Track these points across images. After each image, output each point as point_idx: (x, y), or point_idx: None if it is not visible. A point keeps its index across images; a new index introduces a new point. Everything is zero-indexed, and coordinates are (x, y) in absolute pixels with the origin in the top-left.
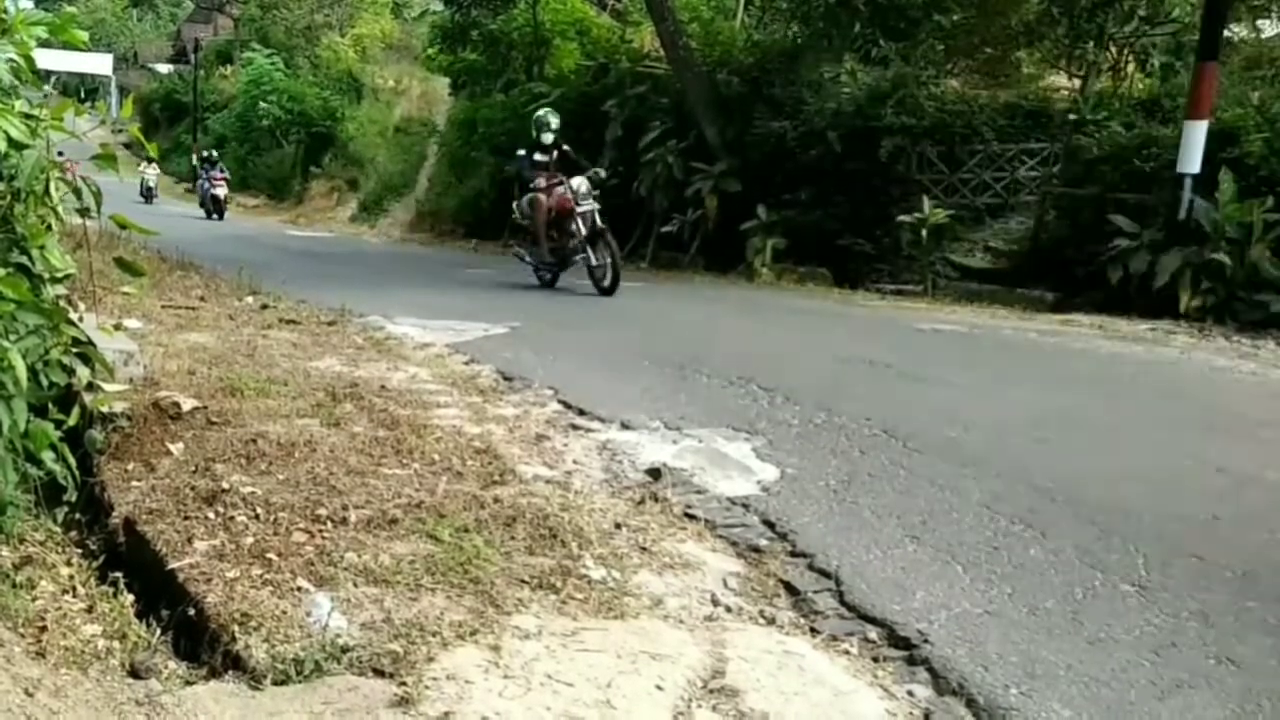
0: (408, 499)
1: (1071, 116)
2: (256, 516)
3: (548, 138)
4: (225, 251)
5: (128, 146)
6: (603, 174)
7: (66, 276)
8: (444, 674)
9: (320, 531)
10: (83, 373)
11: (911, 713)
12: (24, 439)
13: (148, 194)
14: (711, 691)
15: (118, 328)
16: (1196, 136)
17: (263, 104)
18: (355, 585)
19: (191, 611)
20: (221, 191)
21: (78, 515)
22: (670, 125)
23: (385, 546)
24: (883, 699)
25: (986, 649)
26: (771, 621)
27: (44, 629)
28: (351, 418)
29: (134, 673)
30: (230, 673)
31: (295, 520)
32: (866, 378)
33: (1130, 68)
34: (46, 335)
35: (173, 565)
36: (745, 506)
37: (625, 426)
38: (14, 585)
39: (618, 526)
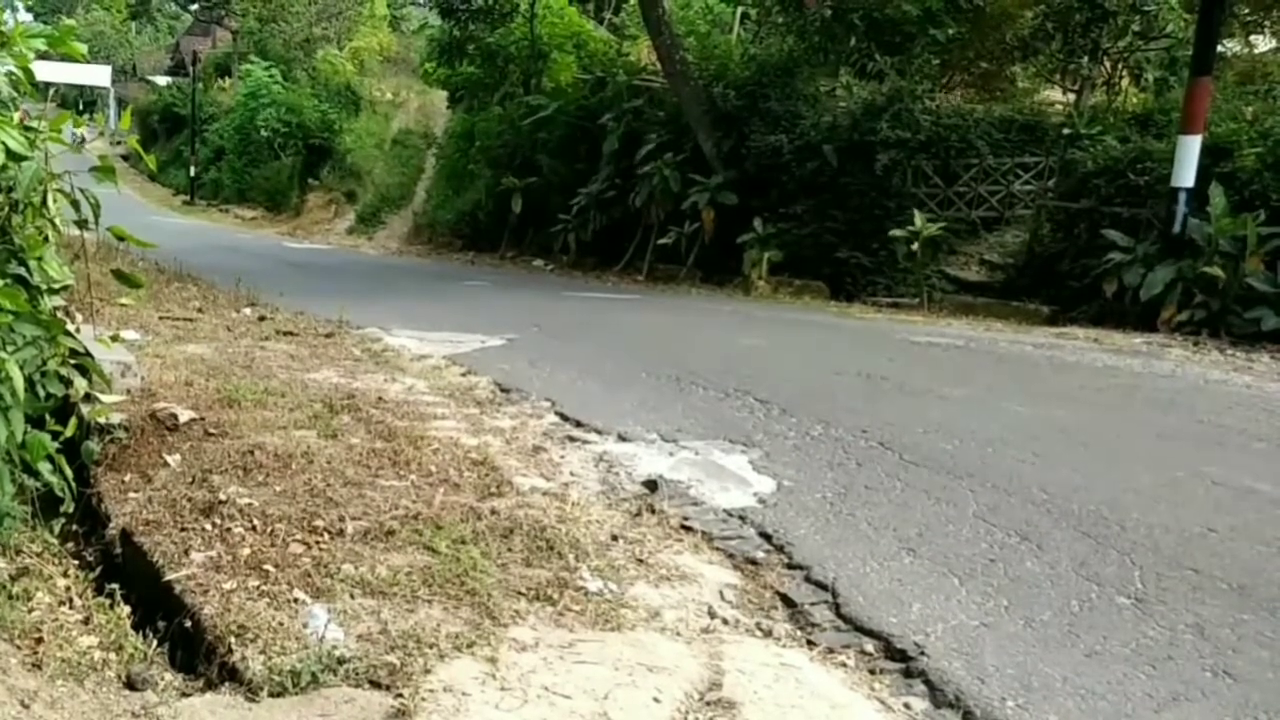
0: (405, 510)
1: (1066, 131)
2: (253, 528)
3: None
4: (223, 263)
5: (125, 158)
6: None
7: (64, 288)
8: (441, 686)
9: (317, 543)
10: (80, 384)
11: None
12: (21, 450)
13: None
14: (708, 704)
15: (115, 339)
16: (1190, 151)
17: (260, 117)
18: (352, 597)
19: (188, 623)
20: None
21: (75, 526)
22: (667, 138)
23: (382, 558)
24: (880, 711)
25: (983, 661)
26: (768, 634)
27: (40, 640)
28: (349, 429)
29: (130, 684)
30: (227, 684)
31: (292, 532)
32: (863, 390)
33: (1124, 82)
34: (44, 346)
35: (170, 577)
36: (742, 518)
37: (622, 438)
38: (10, 596)
39: (614, 538)
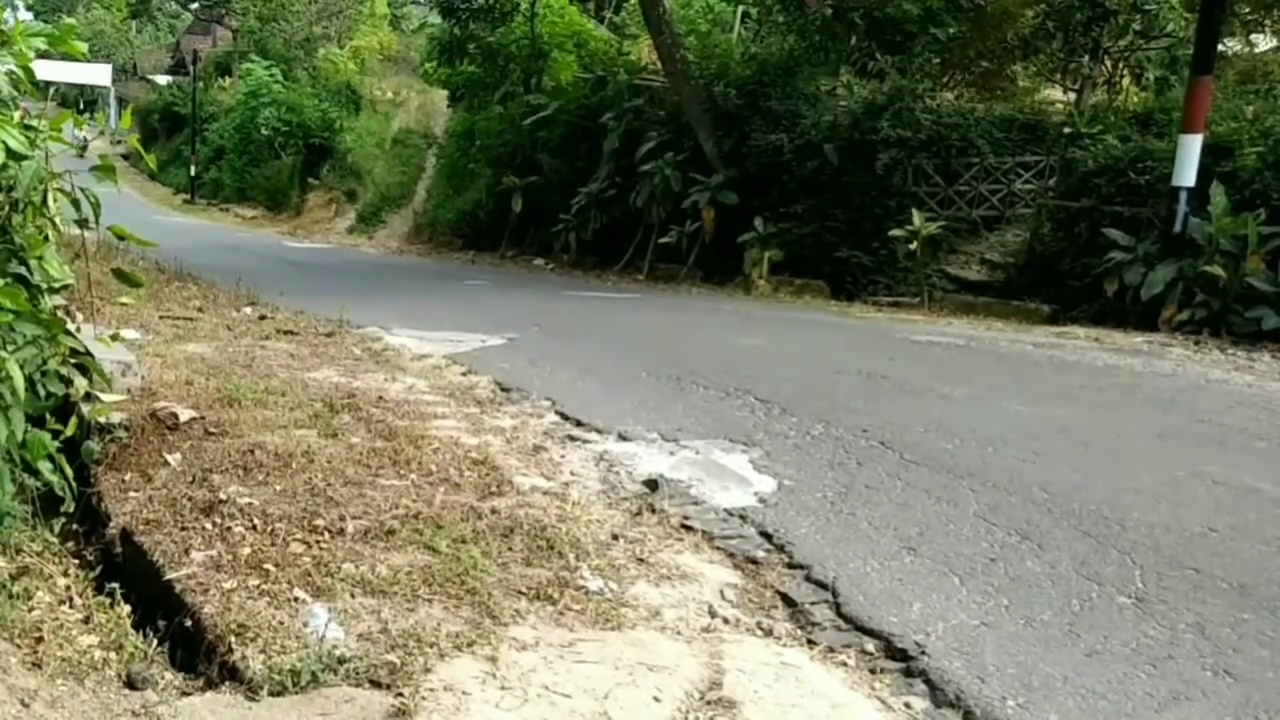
0: (405, 510)
1: (1067, 130)
2: (254, 527)
3: None
4: (223, 262)
5: (126, 158)
6: None
7: (64, 287)
8: (441, 685)
9: (317, 542)
10: (80, 383)
11: None
12: (21, 449)
13: None
14: (709, 703)
15: (115, 338)
16: (1191, 150)
17: (260, 116)
18: (352, 596)
19: (188, 622)
20: None
21: (75, 526)
22: (667, 137)
23: (382, 557)
24: (880, 711)
25: (984, 661)
26: (769, 633)
27: (41, 639)
28: (349, 428)
29: (130, 683)
30: (227, 684)
31: (292, 531)
32: (863, 389)
33: (1125, 81)
34: (44, 346)
35: (170, 576)
36: (742, 518)
37: (622, 437)
38: (11, 596)
39: (615, 537)
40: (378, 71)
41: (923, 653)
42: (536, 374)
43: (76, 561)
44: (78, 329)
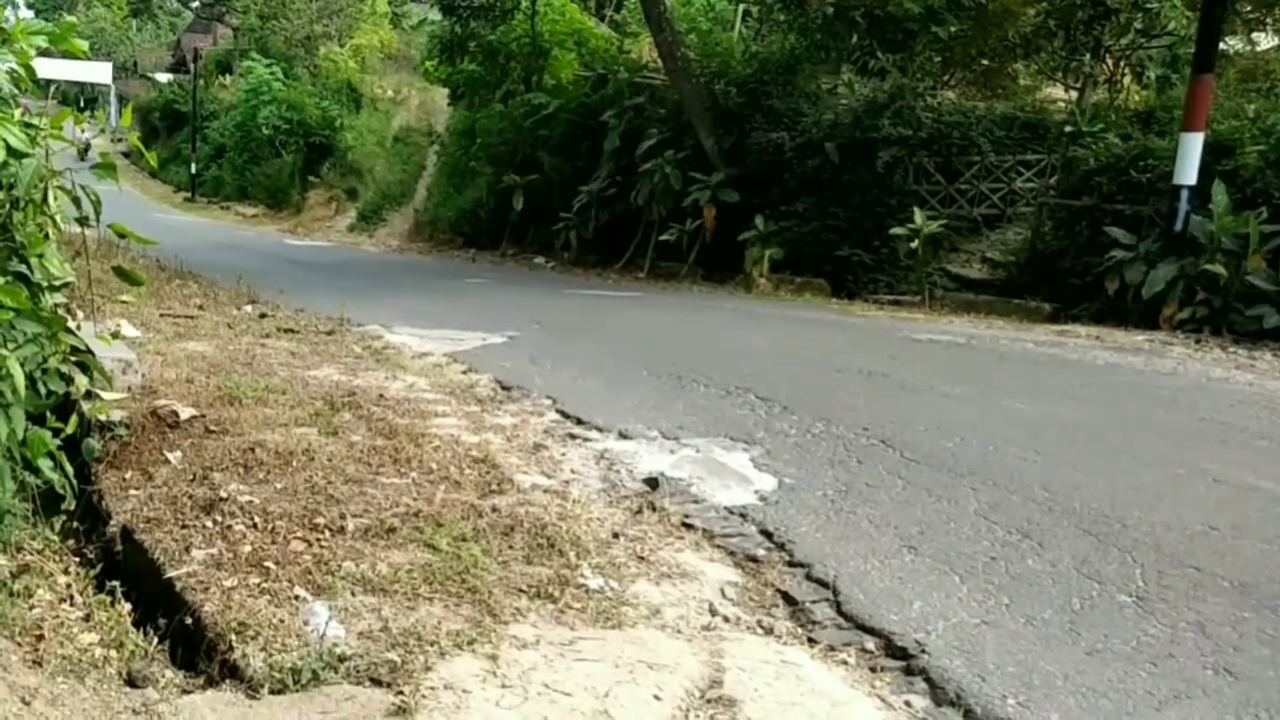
0: (405, 508)
1: (1068, 128)
2: (254, 525)
3: None
4: (223, 260)
5: (127, 155)
6: None
7: (65, 285)
8: (441, 683)
9: (318, 540)
10: (81, 381)
11: None
12: (22, 447)
13: None
14: (709, 701)
15: (116, 336)
16: (1192, 148)
17: (261, 114)
18: (353, 594)
19: (189, 620)
20: None
21: (75, 524)
22: (668, 135)
23: (383, 555)
24: (880, 709)
25: (984, 659)
26: (769, 631)
27: (41, 637)
28: (349, 426)
29: (131, 681)
30: (227, 682)
31: (293, 529)
32: (864, 388)
33: (1126, 80)
34: (45, 343)
35: (170, 574)
36: (743, 516)
37: (623, 436)
38: (11, 594)
39: (615, 536)
40: (378, 69)
41: (923, 651)
42: (537, 372)
43: (77, 559)
44: (78, 327)
